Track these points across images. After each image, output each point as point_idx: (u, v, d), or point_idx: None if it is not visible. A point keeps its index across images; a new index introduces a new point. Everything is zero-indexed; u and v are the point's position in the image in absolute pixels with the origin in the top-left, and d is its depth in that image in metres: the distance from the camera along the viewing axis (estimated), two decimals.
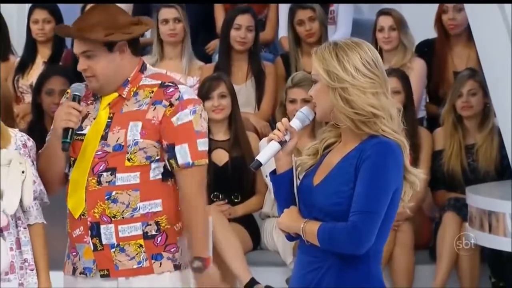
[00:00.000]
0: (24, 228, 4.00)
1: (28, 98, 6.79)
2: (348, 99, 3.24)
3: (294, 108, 5.91)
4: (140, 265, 3.90)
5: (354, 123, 3.24)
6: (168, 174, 3.92)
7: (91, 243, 3.89)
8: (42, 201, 4.02)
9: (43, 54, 7.04)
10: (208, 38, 7.30)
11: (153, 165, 3.89)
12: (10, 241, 3.95)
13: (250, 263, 5.93)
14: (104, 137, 3.89)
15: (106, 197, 3.86)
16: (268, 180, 6.11)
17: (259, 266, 5.98)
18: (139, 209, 3.88)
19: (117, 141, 3.87)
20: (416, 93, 6.44)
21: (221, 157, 6.16)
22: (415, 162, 6.09)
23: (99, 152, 3.88)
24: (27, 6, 7.53)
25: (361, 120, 3.24)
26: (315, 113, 3.35)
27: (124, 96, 3.92)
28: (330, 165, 3.31)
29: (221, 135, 6.23)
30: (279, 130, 3.31)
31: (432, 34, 6.88)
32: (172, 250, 3.94)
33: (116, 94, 3.93)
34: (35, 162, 4.00)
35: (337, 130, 3.34)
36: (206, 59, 7.15)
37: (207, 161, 3.95)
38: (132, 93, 3.93)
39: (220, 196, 6.18)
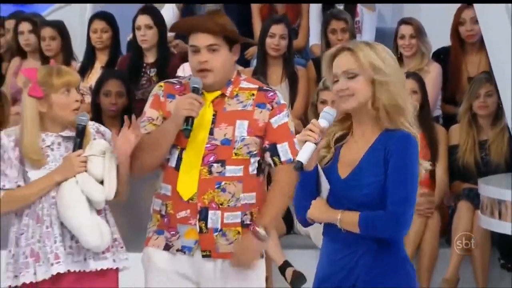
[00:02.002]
0: (109, 212, 4.00)
1: (88, 99, 6.68)
2: (390, 92, 3.16)
3: None
4: None
5: (388, 115, 3.16)
6: (260, 170, 3.89)
7: (197, 225, 3.80)
8: None
9: (101, 59, 6.97)
10: (247, 45, 7.14)
11: (252, 160, 3.84)
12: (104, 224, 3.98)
13: (284, 246, 5.80)
14: (210, 132, 3.82)
15: (216, 186, 3.80)
16: None
17: (292, 249, 5.84)
18: (240, 200, 3.83)
19: (224, 136, 3.82)
20: (432, 93, 6.35)
21: None
22: (433, 156, 6.06)
23: (208, 145, 3.81)
24: (87, 17, 7.51)
25: (394, 113, 3.16)
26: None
27: (227, 95, 3.87)
28: (353, 158, 3.22)
29: None
30: (313, 131, 3.17)
31: (447, 42, 6.78)
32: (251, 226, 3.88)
33: (219, 92, 3.86)
34: (111, 143, 3.96)
35: (345, 123, 3.27)
36: (245, 64, 7.07)
37: None
38: (234, 93, 3.87)
39: None
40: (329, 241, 3.26)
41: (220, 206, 3.79)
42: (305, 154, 3.15)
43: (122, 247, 3.96)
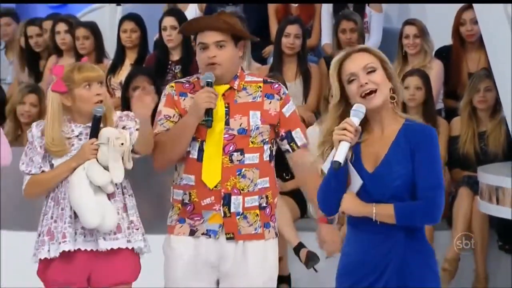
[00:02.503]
0: (129, 195, 4.00)
1: (118, 93, 6.76)
2: (398, 84, 3.19)
3: None
4: (256, 231, 3.89)
5: (404, 107, 3.18)
6: (271, 157, 3.93)
7: (221, 211, 3.84)
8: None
9: (130, 57, 7.02)
10: (264, 45, 7.23)
11: (265, 147, 3.88)
12: (116, 207, 3.93)
13: (298, 229, 5.84)
14: (226, 123, 3.84)
15: (237, 173, 3.83)
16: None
17: (305, 231, 5.85)
18: (257, 184, 3.86)
19: (240, 125, 3.85)
20: (434, 89, 6.35)
21: None
22: None
23: (226, 135, 3.84)
24: (118, 18, 7.55)
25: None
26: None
27: (235, 88, 3.89)
28: (378, 152, 3.17)
29: None
30: (348, 131, 3.11)
31: (448, 41, 6.78)
32: (274, 220, 3.92)
33: (227, 86, 3.88)
34: (134, 121, 3.96)
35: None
36: (262, 61, 7.12)
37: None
38: (241, 86, 3.89)
39: None
40: (360, 231, 3.21)
41: (241, 191, 3.83)
42: (342, 153, 3.09)
43: (137, 229, 3.95)
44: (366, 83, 3.13)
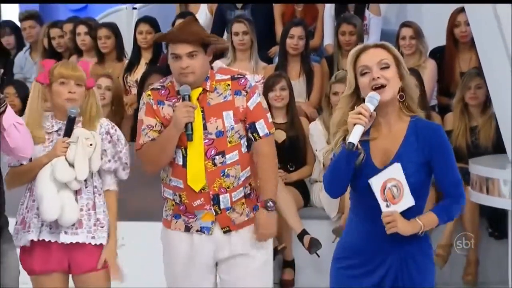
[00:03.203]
0: (99, 195, 3.95)
1: (134, 90, 6.78)
2: (410, 83, 3.16)
3: (337, 100, 5.79)
4: (248, 217, 3.91)
5: (409, 104, 3.13)
6: (248, 146, 3.91)
7: (212, 210, 3.85)
8: (118, 176, 3.99)
9: (146, 57, 7.03)
10: (270, 45, 7.24)
11: (242, 141, 3.88)
12: (82, 204, 3.91)
13: (302, 217, 5.85)
14: (204, 127, 3.83)
15: (221, 174, 3.83)
16: (317, 153, 6.03)
17: (309, 219, 5.89)
18: (241, 178, 3.87)
19: (216, 128, 3.83)
20: (429, 86, 6.38)
21: (280, 135, 6.06)
22: None
23: (206, 140, 3.83)
24: (134, 20, 7.56)
25: (412, 102, 3.15)
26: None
27: (208, 89, 3.86)
28: (388, 149, 3.12)
29: (280, 118, 6.16)
30: (363, 115, 3.05)
31: (442, 42, 6.78)
32: (259, 200, 3.93)
33: (200, 89, 3.85)
34: (118, 145, 3.95)
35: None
36: (269, 61, 7.11)
37: (274, 129, 3.97)
38: (213, 86, 3.86)
39: (279, 166, 6.11)
40: (358, 217, 3.19)
41: (227, 189, 3.83)
42: (356, 136, 3.04)
43: (102, 227, 3.90)
44: (378, 77, 3.10)
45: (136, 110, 6.43)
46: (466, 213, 5.80)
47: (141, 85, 6.41)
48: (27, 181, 3.94)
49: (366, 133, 3.13)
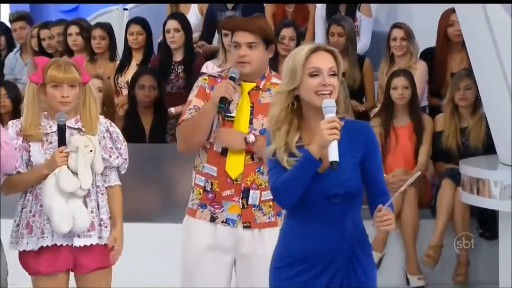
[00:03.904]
0: (102, 194, 3.93)
1: (125, 91, 6.78)
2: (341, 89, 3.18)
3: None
4: (270, 220, 3.92)
5: (341, 107, 3.11)
6: None
7: (240, 202, 3.88)
8: (119, 170, 3.98)
9: (136, 58, 7.03)
10: None
11: None
12: (91, 206, 3.90)
13: None
14: (250, 122, 3.87)
15: (257, 170, 3.87)
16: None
17: None
18: None
19: (262, 126, 3.85)
20: (419, 87, 6.39)
21: None
22: (418, 141, 6.13)
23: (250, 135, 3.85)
24: (125, 21, 7.56)
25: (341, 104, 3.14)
26: None
27: (261, 88, 3.90)
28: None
29: None
30: (337, 129, 2.99)
31: (432, 43, 6.78)
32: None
33: (254, 84, 3.90)
34: (117, 142, 3.94)
35: (289, 119, 3.08)
36: None
37: None
38: (266, 87, 3.90)
39: None
40: (301, 222, 3.12)
41: (259, 186, 3.87)
42: (336, 151, 3.00)
43: (106, 227, 3.90)
44: (329, 84, 3.07)
45: (127, 111, 6.48)
46: (456, 214, 5.84)
47: (132, 85, 6.41)
48: (25, 189, 3.89)
49: (300, 139, 3.09)
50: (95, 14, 8.23)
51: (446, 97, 6.15)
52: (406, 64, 6.52)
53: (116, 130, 3.97)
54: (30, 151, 3.87)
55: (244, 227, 3.90)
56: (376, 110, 6.49)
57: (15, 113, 6.55)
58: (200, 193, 3.94)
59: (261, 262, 3.78)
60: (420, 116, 6.19)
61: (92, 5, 9.09)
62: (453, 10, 6.46)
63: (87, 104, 3.90)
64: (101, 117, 3.98)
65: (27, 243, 3.85)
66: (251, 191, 3.88)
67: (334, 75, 3.09)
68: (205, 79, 3.95)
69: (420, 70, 6.55)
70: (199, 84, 3.96)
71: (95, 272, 3.90)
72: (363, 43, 7.21)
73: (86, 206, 3.87)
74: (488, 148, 5.84)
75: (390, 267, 5.94)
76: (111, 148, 3.92)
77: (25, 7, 9.29)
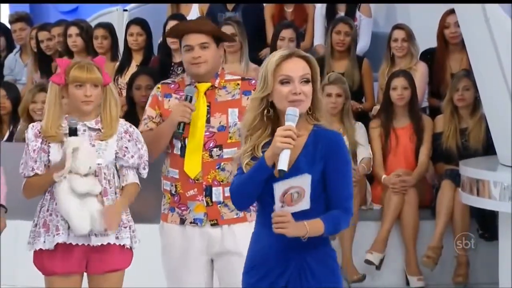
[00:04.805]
0: (120, 195, 3.93)
1: (125, 93, 6.72)
2: (319, 95, 3.11)
3: (330, 101, 5.97)
4: (238, 215, 3.96)
5: (320, 112, 3.07)
6: None
7: (204, 201, 3.93)
8: (138, 170, 3.97)
9: (136, 59, 7.02)
10: (261, 47, 7.25)
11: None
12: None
13: None
14: (207, 121, 3.93)
15: (217, 167, 3.92)
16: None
17: None
18: None
19: (219, 123, 3.92)
20: (420, 89, 6.39)
21: None
22: (419, 141, 6.13)
23: (207, 133, 3.93)
24: (125, 22, 7.56)
25: (319, 112, 3.08)
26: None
27: (216, 86, 3.97)
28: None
29: None
30: (292, 138, 2.96)
31: (433, 44, 6.78)
32: (254, 205, 3.86)
33: (209, 84, 3.96)
34: (138, 143, 3.94)
35: (264, 125, 3.07)
36: (259, 63, 6.95)
37: None
38: (221, 84, 3.97)
39: None
40: (264, 227, 3.09)
41: (221, 182, 3.91)
42: (286, 161, 2.96)
43: (125, 227, 3.90)
44: (300, 93, 3.02)
45: (126, 113, 6.46)
46: (456, 215, 5.84)
47: (129, 86, 6.42)
48: (43, 191, 3.92)
49: (268, 142, 3.06)
50: (95, 15, 8.23)
51: (446, 98, 6.16)
52: (406, 65, 6.51)
53: (136, 131, 3.97)
54: (49, 152, 3.88)
55: (211, 224, 3.93)
56: (377, 107, 6.49)
57: (15, 114, 6.56)
58: (169, 198, 4.00)
59: (235, 258, 3.86)
60: (420, 116, 6.19)
61: (92, 6, 9.11)
62: (450, 12, 6.48)
63: (107, 106, 3.93)
64: (122, 120, 3.99)
65: (44, 241, 3.86)
66: (213, 188, 3.91)
67: (307, 81, 3.04)
68: (158, 88, 4.04)
69: (420, 72, 6.56)
70: (152, 93, 4.04)
71: (110, 274, 3.91)
72: (363, 44, 7.21)
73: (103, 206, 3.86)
74: (488, 149, 5.84)
75: (390, 267, 5.95)
76: (126, 147, 3.92)
77: (25, 8, 9.30)
